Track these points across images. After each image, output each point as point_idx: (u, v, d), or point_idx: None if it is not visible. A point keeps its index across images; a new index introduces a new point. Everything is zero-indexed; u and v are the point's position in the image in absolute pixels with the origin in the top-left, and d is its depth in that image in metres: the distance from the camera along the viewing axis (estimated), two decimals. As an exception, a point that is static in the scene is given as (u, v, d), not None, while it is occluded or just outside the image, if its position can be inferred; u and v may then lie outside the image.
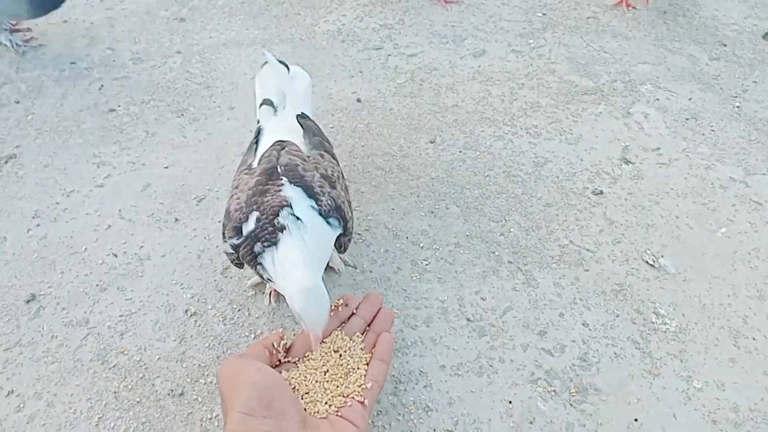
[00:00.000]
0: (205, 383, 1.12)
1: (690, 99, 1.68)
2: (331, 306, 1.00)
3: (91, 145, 1.55)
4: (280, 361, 0.92)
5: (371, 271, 1.29)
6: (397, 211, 1.41)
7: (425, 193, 1.45)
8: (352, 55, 1.80)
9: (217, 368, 0.99)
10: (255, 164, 1.11)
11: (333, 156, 1.18)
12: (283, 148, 1.11)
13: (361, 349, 0.96)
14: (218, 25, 1.90)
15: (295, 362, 0.92)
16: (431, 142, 1.56)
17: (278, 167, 1.07)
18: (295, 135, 1.17)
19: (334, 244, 1.07)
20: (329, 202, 1.05)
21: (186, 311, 1.22)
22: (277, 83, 1.25)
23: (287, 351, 0.93)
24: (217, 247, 1.33)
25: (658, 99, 1.68)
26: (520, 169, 1.50)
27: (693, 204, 1.43)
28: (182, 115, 1.62)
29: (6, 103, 1.65)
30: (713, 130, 1.60)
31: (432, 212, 1.41)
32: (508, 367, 1.14)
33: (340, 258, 1.29)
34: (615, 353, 1.16)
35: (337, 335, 0.98)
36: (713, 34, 1.88)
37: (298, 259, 0.94)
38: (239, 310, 1.23)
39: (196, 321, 1.21)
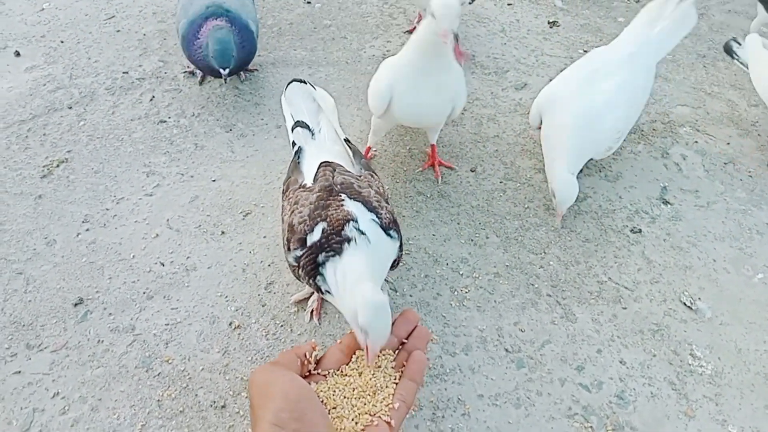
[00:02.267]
0: (247, 397, 1.14)
1: (728, 144, 1.70)
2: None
3: (142, 154, 1.59)
4: (309, 372, 0.92)
5: (411, 296, 1.31)
6: (438, 237, 1.43)
7: (465, 221, 1.47)
8: (397, 81, 1.83)
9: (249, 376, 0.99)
10: (308, 183, 1.14)
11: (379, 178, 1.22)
12: (334, 169, 1.14)
13: (392, 367, 0.96)
14: (267, 44, 1.95)
15: (324, 375, 0.92)
16: (472, 171, 1.59)
17: (335, 185, 1.10)
18: (339, 157, 1.20)
19: (397, 253, 1.10)
20: (388, 215, 1.09)
21: (230, 324, 1.25)
22: (308, 103, 1.31)
23: (317, 363, 0.93)
24: (261, 262, 1.36)
25: (696, 141, 1.70)
26: (559, 203, 1.52)
27: (730, 248, 1.44)
28: (230, 130, 1.66)
29: (59, 108, 1.70)
30: (750, 176, 1.62)
31: (472, 240, 1.43)
32: (546, 400, 1.15)
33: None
34: (651, 393, 1.17)
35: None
36: (751, 80, 1.90)
37: (365, 272, 0.96)
38: (282, 326, 1.25)
39: (239, 334, 1.23)
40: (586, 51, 1.98)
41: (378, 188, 1.15)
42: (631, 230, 1.46)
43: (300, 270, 1.05)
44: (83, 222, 1.42)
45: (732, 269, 1.40)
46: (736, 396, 1.18)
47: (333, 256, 0.99)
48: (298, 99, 1.32)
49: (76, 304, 1.27)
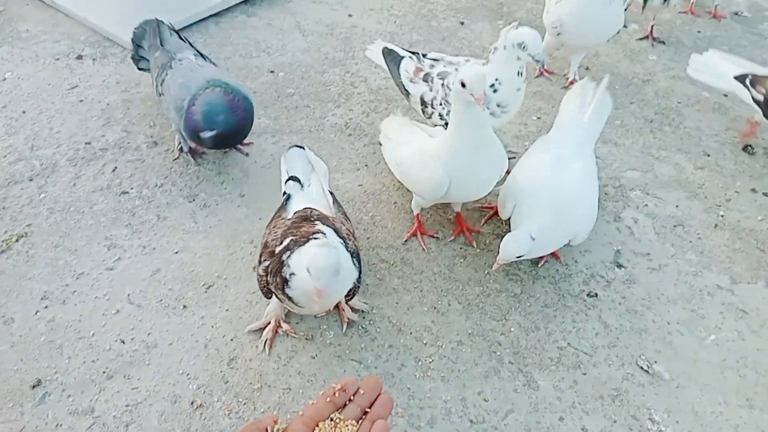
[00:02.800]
0: (209, 479, 1.12)
1: (677, 206, 1.78)
2: (329, 387, 1.00)
3: (103, 227, 1.58)
4: None
5: (376, 367, 1.32)
6: (401, 305, 1.45)
7: (428, 288, 1.50)
8: (359, 149, 1.88)
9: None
10: (289, 216, 1.32)
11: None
12: (313, 209, 1.33)
13: None
14: (230, 113, 1.98)
15: None
16: (435, 237, 1.62)
17: (311, 216, 1.29)
18: (321, 207, 1.36)
19: (354, 280, 1.25)
20: (353, 246, 1.27)
21: (192, 403, 1.23)
22: (303, 164, 1.49)
23: None
24: (224, 336, 1.36)
25: (647, 205, 1.78)
26: (518, 267, 1.56)
27: (683, 310, 1.49)
28: (193, 200, 1.67)
29: (20, 180, 1.69)
30: (699, 238, 1.69)
31: (435, 307, 1.45)
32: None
33: (351, 305, 1.41)
34: (613, 460, 1.19)
35: (330, 422, 0.98)
36: (697, 144, 2.00)
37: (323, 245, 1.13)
38: (245, 403, 1.24)
39: (201, 414, 1.22)
40: (539, 117, 2.07)
41: (348, 228, 1.34)
42: (588, 294, 1.50)
43: (268, 276, 1.21)
44: (42, 299, 1.40)
45: (686, 331, 1.45)
46: (694, 460, 1.21)
47: (298, 247, 1.17)
48: (295, 160, 1.50)
49: (33, 386, 1.24)
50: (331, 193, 1.45)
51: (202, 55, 1.81)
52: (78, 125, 1.89)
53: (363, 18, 2.51)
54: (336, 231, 1.25)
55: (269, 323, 1.36)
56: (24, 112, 1.93)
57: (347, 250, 1.23)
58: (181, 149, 1.79)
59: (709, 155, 1.97)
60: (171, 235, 1.57)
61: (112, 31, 2.26)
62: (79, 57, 2.18)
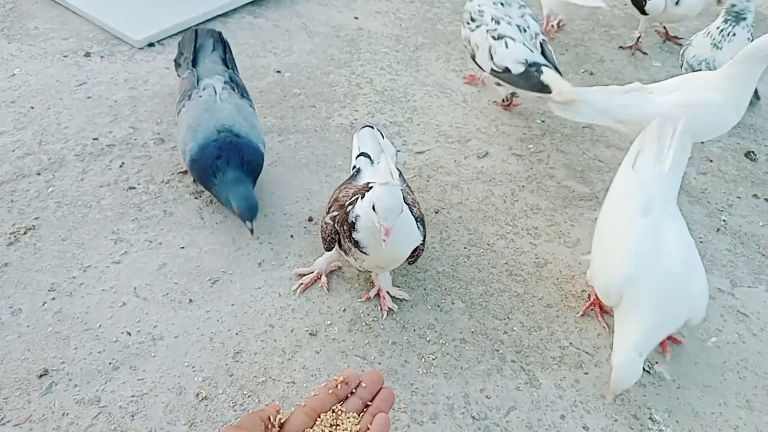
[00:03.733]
0: (214, 469, 1.13)
1: (680, 210, 1.79)
2: (332, 380, 1.01)
3: (110, 221, 1.59)
4: None
5: (379, 363, 1.33)
6: (405, 303, 1.46)
7: (432, 287, 1.51)
8: (364, 149, 1.89)
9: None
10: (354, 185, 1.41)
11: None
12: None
13: (357, 430, 0.96)
14: (236, 112, 2.00)
15: None
16: (436, 211, 1.64)
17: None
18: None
19: (419, 242, 1.32)
20: (419, 212, 1.35)
21: (197, 395, 1.24)
22: (374, 143, 1.54)
23: (281, 426, 0.93)
24: (229, 330, 1.37)
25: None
26: (521, 268, 1.58)
27: (684, 312, 1.50)
28: (199, 196, 1.68)
29: (27, 174, 1.70)
30: (702, 242, 1.70)
31: (438, 306, 1.46)
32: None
33: (392, 294, 1.47)
34: (614, 458, 1.20)
35: (332, 414, 0.99)
36: (700, 149, 2.02)
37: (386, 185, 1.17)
38: (249, 396, 1.25)
39: (206, 405, 1.23)
40: (543, 121, 2.08)
41: (414, 199, 1.42)
42: (589, 296, 1.51)
43: (335, 224, 1.30)
44: (49, 291, 1.41)
45: (687, 333, 1.46)
46: (694, 459, 1.22)
47: (363, 196, 1.22)
48: (367, 138, 1.56)
49: (40, 376, 1.25)
50: (398, 170, 1.48)
51: (233, 80, 1.70)
52: (86, 121, 1.91)
53: (369, 20, 2.53)
54: (402, 198, 1.23)
55: (312, 272, 1.48)
56: (32, 108, 1.94)
57: (412, 214, 1.28)
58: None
59: (711, 161, 1.99)
60: (177, 231, 1.59)
61: (120, 30, 2.28)
62: (87, 54, 2.20)
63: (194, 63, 1.75)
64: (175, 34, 2.29)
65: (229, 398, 1.24)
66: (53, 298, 1.40)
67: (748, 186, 1.90)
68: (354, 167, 1.51)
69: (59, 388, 1.23)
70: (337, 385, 0.96)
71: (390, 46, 2.40)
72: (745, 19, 1.98)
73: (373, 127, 1.60)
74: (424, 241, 1.34)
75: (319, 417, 0.94)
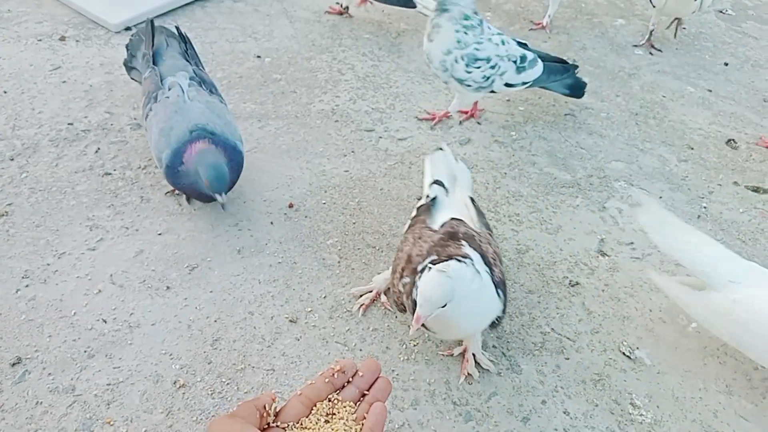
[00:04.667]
0: (193, 458, 1.11)
1: (660, 197, 1.79)
2: (330, 368, 1.00)
3: (85, 207, 1.56)
4: (269, 424, 0.90)
5: (361, 350, 1.32)
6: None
7: (413, 274, 1.49)
8: (345, 135, 1.88)
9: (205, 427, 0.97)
10: (435, 227, 1.27)
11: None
12: (460, 223, 1.27)
13: (353, 420, 0.95)
14: (215, 97, 1.96)
15: (283, 428, 0.91)
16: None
17: (459, 233, 1.22)
18: (465, 215, 1.32)
19: (498, 313, 1.19)
20: (500, 274, 1.20)
21: (174, 383, 1.22)
22: (448, 169, 1.44)
23: (277, 415, 0.92)
24: (207, 317, 1.35)
25: (631, 195, 1.79)
26: (503, 254, 1.57)
27: (665, 298, 1.51)
28: (178, 183, 1.65)
29: (0, 160, 1.66)
30: (682, 228, 1.70)
31: (419, 293, 1.45)
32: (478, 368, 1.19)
33: (477, 360, 1.30)
34: (595, 443, 1.20)
35: (328, 403, 0.98)
36: (681, 137, 2.03)
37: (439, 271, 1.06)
38: (228, 383, 1.23)
39: (184, 393, 1.21)
40: (525, 108, 2.07)
41: (495, 248, 1.26)
42: (571, 282, 1.51)
43: (403, 296, 1.18)
44: (23, 278, 1.38)
45: (668, 319, 1.46)
46: (674, 444, 1.22)
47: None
48: (440, 164, 1.45)
49: (13, 364, 1.22)
50: (472, 199, 1.40)
51: (197, 75, 1.60)
52: (60, 106, 1.86)
53: (351, 6, 2.50)
54: (483, 255, 1.18)
55: (371, 291, 1.41)
56: (5, 92, 1.89)
57: (492, 280, 1.16)
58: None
59: (692, 148, 1.99)
60: (154, 217, 1.56)
61: (96, 13, 2.23)
62: (62, 38, 2.15)
63: (154, 61, 1.64)
64: (153, 18, 2.25)
65: (208, 386, 1.22)
66: (27, 285, 1.37)
67: (729, 173, 1.91)
68: (428, 196, 1.38)
69: (33, 377, 1.20)
70: (333, 374, 0.95)
71: (372, 32, 2.38)
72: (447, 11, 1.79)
73: (445, 150, 1.50)
74: (504, 309, 1.20)
75: (315, 406, 0.93)
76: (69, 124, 1.80)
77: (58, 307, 1.33)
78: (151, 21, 1.73)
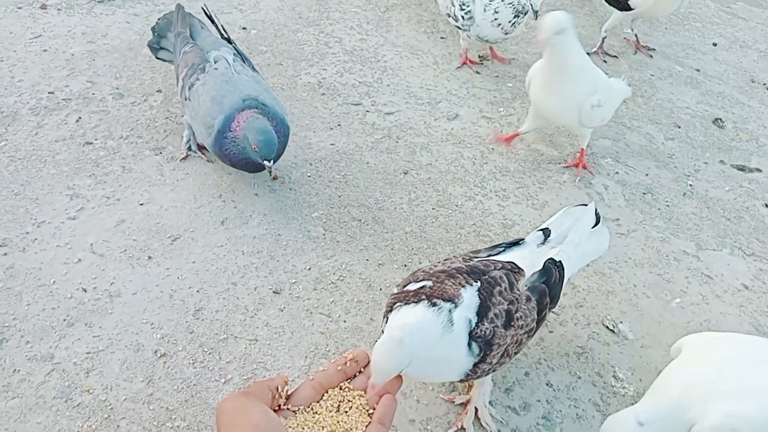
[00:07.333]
0: (172, 427, 1.10)
1: (647, 175, 1.79)
2: (341, 357, 0.98)
3: (66, 176, 1.53)
4: (279, 406, 0.90)
5: (345, 321, 1.31)
6: (372, 262, 1.44)
7: (399, 247, 1.49)
8: (332, 108, 1.85)
9: (217, 403, 0.95)
10: (482, 254, 1.16)
11: (542, 311, 1.14)
12: (508, 269, 1.11)
13: (363, 408, 0.94)
14: (200, 68, 1.93)
15: (294, 411, 0.91)
16: (404, 173, 1.61)
17: (486, 274, 1.07)
18: (530, 270, 1.14)
19: (467, 369, 1.03)
20: (487, 332, 1.02)
21: (155, 352, 1.21)
22: (570, 228, 1.25)
23: (288, 398, 0.92)
24: (189, 287, 1.33)
25: (617, 172, 1.79)
26: (489, 229, 1.56)
27: (649, 274, 1.51)
28: (160, 153, 1.63)
29: (-22, 128, 1.63)
30: (668, 206, 1.71)
31: (405, 266, 1.44)
32: (475, 423, 1.16)
33: (480, 416, 1.18)
34: (577, 414, 1.21)
35: (339, 391, 0.97)
36: (668, 116, 2.02)
37: (419, 318, 0.94)
38: (210, 353, 1.22)
39: (165, 362, 1.19)
40: (514, 85, 2.06)
41: (515, 310, 1.06)
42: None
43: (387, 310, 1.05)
44: (1, 246, 1.36)
45: (651, 294, 1.47)
46: (655, 416, 1.22)
47: (404, 305, 0.98)
48: (567, 220, 1.27)
49: (-11, 332, 1.20)
50: (556, 263, 1.17)
51: (239, 53, 1.64)
52: (41, 75, 1.82)
53: (339, -20, 2.47)
54: (484, 307, 1.02)
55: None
56: (-16, 60, 1.85)
57: (471, 331, 1.00)
58: (189, 147, 1.64)
59: (679, 127, 1.99)
60: (136, 187, 1.53)
61: (78, -19, 2.18)
62: (43, 6, 2.10)
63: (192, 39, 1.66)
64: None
65: (189, 355, 1.21)
66: (5, 254, 1.34)
67: (715, 152, 1.91)
68: (524, 239, 1.23)
69: (10, 345, 1.19)
70: (346, 363, 0.94)
71: (360, 6, 2.34)
72: None
73: (588, 207, 1.30)
74: (474, 370, 1.03)
75: (327, 392, 0.93)
76: (50, 92, 1.76)
77: (37, 276, 1.31)
78: (181, 6, 1.73)
